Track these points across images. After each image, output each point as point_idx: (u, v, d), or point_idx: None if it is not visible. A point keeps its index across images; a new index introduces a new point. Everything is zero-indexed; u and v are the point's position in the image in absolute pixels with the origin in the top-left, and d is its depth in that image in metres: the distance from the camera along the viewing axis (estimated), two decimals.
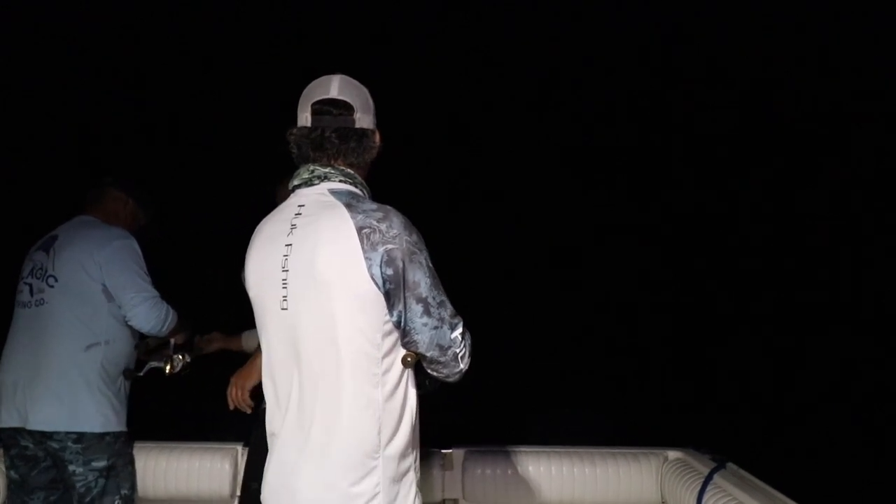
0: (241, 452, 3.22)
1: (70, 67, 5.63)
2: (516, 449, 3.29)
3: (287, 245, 1.70)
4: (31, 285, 2.75)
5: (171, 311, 2.80)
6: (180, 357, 2.93)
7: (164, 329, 2.78)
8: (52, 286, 2.71)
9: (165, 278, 2.98)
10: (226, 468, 3.19)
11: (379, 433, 1.66)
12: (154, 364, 2.91)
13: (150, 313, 2.71)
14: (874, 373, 5.69)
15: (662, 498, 3.16)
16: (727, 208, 6.67)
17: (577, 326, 6.28)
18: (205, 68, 6.04)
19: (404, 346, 1.71)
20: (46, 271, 2.73)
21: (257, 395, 2.85)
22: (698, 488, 2.81)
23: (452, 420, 3.53)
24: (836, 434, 4.98)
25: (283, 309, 1.70)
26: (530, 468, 3.22)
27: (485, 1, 6.28)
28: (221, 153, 6.01)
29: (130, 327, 2.78)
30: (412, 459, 1.76)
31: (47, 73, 5.59)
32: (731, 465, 2.90)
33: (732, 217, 6.66)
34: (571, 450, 3.27)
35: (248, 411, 2.68)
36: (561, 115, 6.68)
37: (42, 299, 2.71)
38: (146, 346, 2.93)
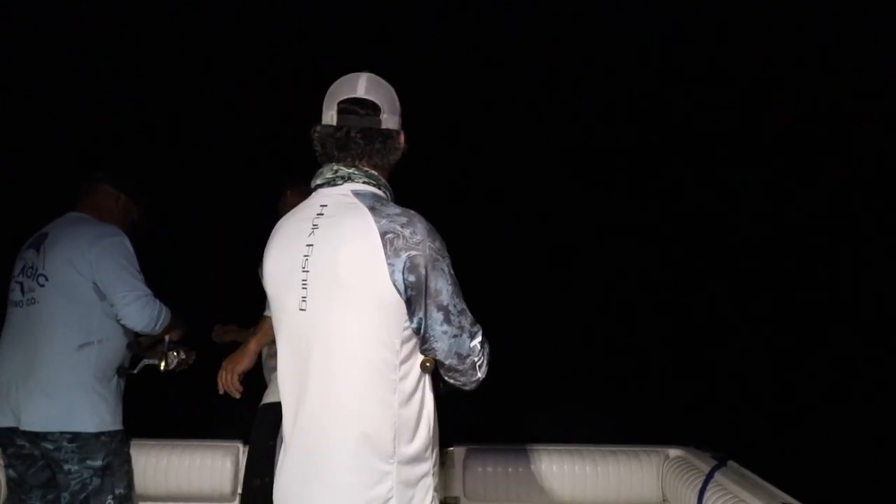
0: (241, 450, 3.21)
1: (70, 67, 5.63)
2: (517, 447, 3.29)
3: (308, 245, 1.68)
4: (22, 284, 2.72)
5: (164, 309, 2.76)
6: (175, 353, 2.91)
7: (157, 327, 2.74)
8: (42, 285, 2.68)
9: (166, 277, 2.98)
10: (227, 466, 3.17)
11: (394, 439, 1.65)
12: (148, 361, 2.89)
13: (142, 311, 2.68)
14: (874, 373, 5.69)
15: (663, 496, 3.16)
16: (727, 208, 6.67)
17: (577, 326, 6.28)
18: (205, 68, 6.04)
19: (423, 352, 1.70)
20: (37, 270, 2.69)
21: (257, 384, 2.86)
22: (699, 486, 2.81)
23: (453, 418, 3.53)
24: (837, 432, 4.98)
25: (301, 310, 1.68)
26: (531, 466, 3.21)
27: (485, 1, 6.28)
28: (221, 153, 6.01)
29: (124, 325, 2.75)
30: (430, 464, 1.74)
31: (47, 73, 5.59)
32: (732, 464, 2.89)
33: (732, 217, 6.66)
34: (573, 447, 3.27)
35: (237, 396, 2.71)
36: (561, 116, 6.68)
37: (33, 298, 2.68)
38: (138, 344, 2.90)
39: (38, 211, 3.00)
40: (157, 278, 2.87)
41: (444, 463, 3.25)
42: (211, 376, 2.83)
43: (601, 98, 6.61)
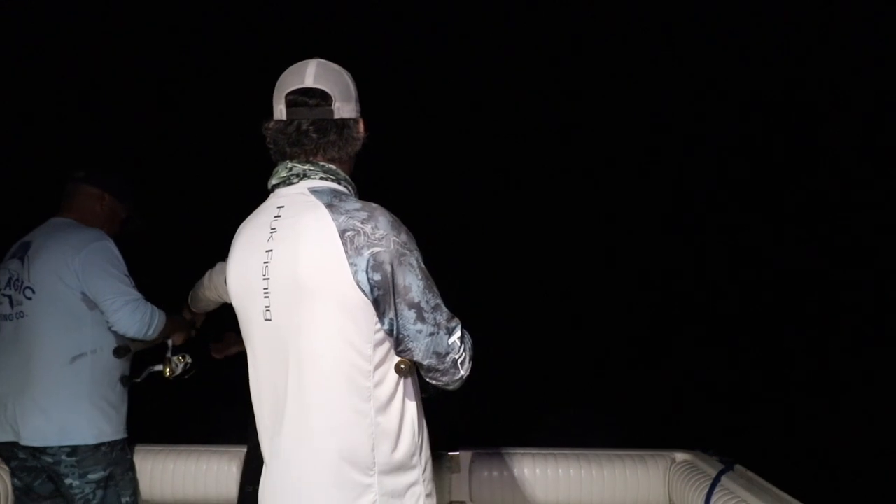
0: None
1: (69, 66, 5.60)
2: (523, 451, 3.29)
3: (267, 251, 1.60)
4: (10, 297, 2.66)
5: (157, 312, 2.67)
6: (180, 358, 2.81)
7: (151, 332, 2.65)
8: (30, 298, 2.61)
9: (163, 278, 2.94)
10: (233, 471, 3.17)
11: (373, 449, 1.58)
12: (153, 368, 2.78)
13: (132, 316, 2.59)
14: (881, 375, 5.69)
15: (670, 500, 3.16)
16: (728, 207, 6.66)
17: (580, 326, 6.27)
18: (203, 66, 6.01)
19: (399, 354, 1.62)
20: (23, 282, 2.63)
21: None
22: (706, 490, 2.81)
23: (458, 422, 3.53)
24: (844, 436, 4.98)
25: (266, 320, 1.61)
26: (537, 470, 3.21)
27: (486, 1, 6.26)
28: (220, 151, 5.98)
29: (119, 334, 2.69)
30: (419, 471, 1.67)
31: (47, 73, 5.56)
32: (738, 467, 2.90)
33: (733, 216, 6.65)
34: (579, 451, 3.27)
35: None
36: (563, 115, 6.67)
37: (22, 312, 2.62)
38: (126, 349, 2.76)
39: (37, 211, 2.96)
40: (156, 281, 2.83)
41: (450, 467, 3.25)
42: (216, 382, 2.81)
43: (603, 97, 6.59)
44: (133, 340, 2.72)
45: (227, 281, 1.72)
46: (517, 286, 6.45)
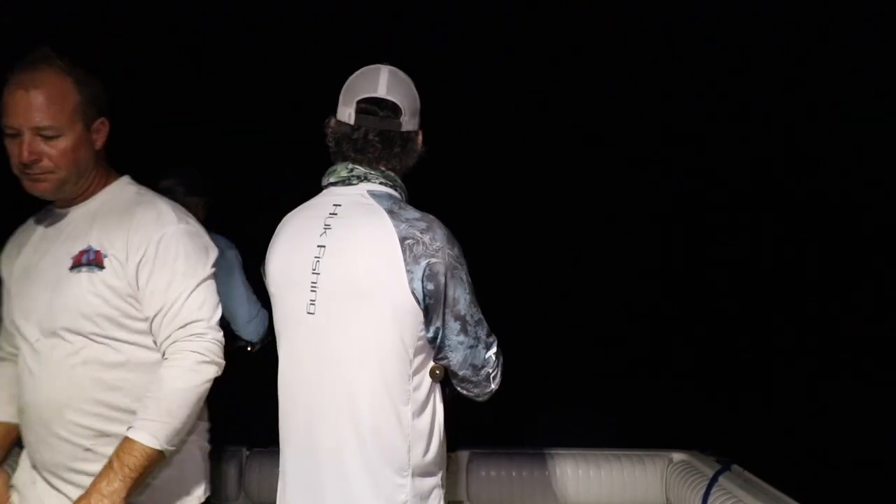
0: (246, 455, 3.21)
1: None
2: (521, 451, 3.29)
3: (319, 246, 1.62)
4: None
5: None
6: None
7: None
8: None
9: None
10: (231, 471, 3.18)
11: (409, 451, 1.62)
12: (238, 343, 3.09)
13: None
14: (879, 374, 5.68)
15: (667, 500, 3.16)
16: (729, 206, 6.65)
17: (578, 326, 6.26)
18: (203, 66, 6.00)
19: (437, 361, 1.67)
20: None
21: None
22: (703, 490, 2.81)
23: (456, 422, 3.53)
24: (840, 436, 4.97)
25: (309, 313, 1.62)
26: (535, 470, 3.22)
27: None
28: (220, 151, 5.97)
29: None
30: (440, 475, 1.73)
31: None
32: (736, 468, 2.89)
33: (733, 216, 6.64)
34: (576, 451, 3.27)
35: None
36: (562, 115, 6.66)
37: None
38: None
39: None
40: None
41: (448, 467, 3.25)
42: (217, 380, 2.80)
43: (606, 96, 6.58)
44: None
45: (268, 267, 1.74)
46: (517, 286, 6.43)
